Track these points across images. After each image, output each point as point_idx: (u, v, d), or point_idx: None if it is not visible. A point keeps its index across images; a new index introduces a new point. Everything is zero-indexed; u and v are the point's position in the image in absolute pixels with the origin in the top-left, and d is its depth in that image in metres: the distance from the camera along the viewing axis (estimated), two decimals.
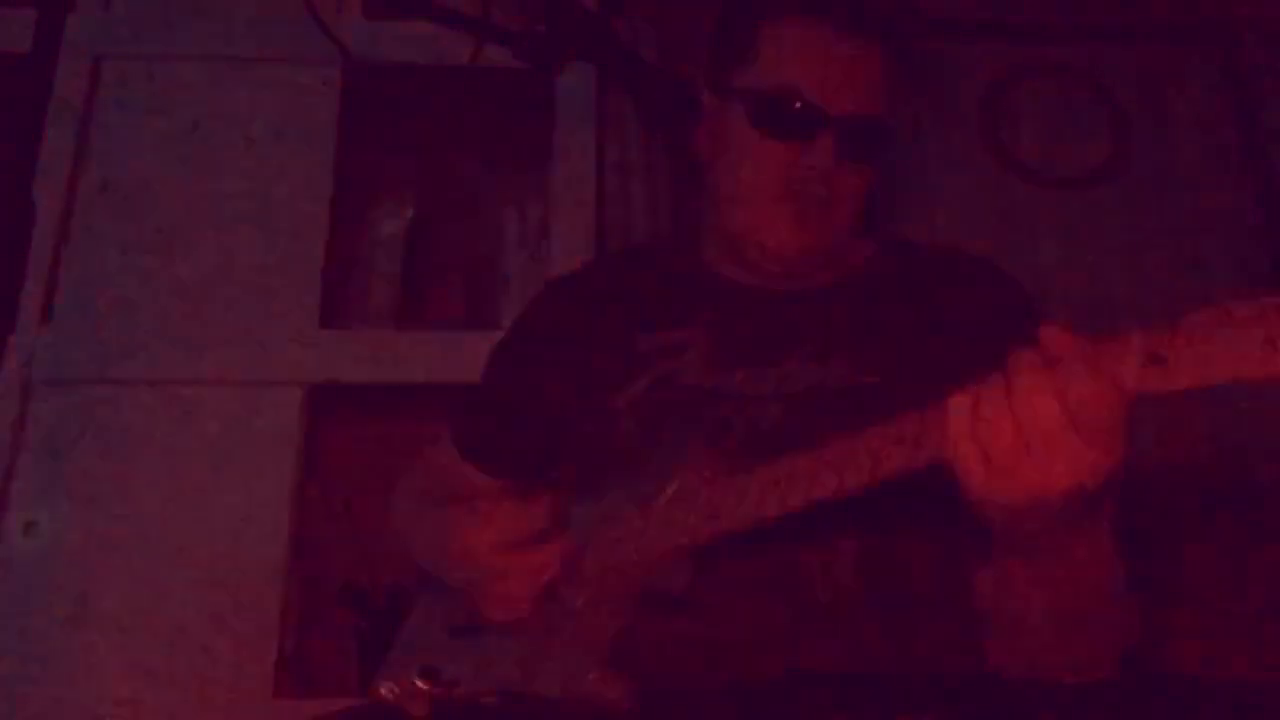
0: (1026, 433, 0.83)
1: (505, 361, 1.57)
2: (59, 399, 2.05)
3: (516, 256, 2.43)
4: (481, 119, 2.45)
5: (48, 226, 2.10)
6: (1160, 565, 2.00)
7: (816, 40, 1.32)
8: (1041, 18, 2.52)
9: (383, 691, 1.24)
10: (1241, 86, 2.49)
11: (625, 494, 1.22)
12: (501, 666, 1.19)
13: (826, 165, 1.30)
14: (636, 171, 2.29)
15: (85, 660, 1.89)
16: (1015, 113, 2.46)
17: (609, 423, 1.33)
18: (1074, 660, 1.10)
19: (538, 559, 1.20)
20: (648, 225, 2.26)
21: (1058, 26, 2.52)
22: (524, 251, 2.43)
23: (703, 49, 1.51)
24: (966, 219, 2.36)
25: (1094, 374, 0.81)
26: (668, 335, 1.37)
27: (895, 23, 1.36)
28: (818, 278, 1.40)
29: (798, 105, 1.30)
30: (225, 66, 2.30)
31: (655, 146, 2.31)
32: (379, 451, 2.32)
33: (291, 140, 2.27)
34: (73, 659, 1.89)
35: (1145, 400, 0.80)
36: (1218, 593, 2.05)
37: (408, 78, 2.33)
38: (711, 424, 1.27)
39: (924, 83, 2.39)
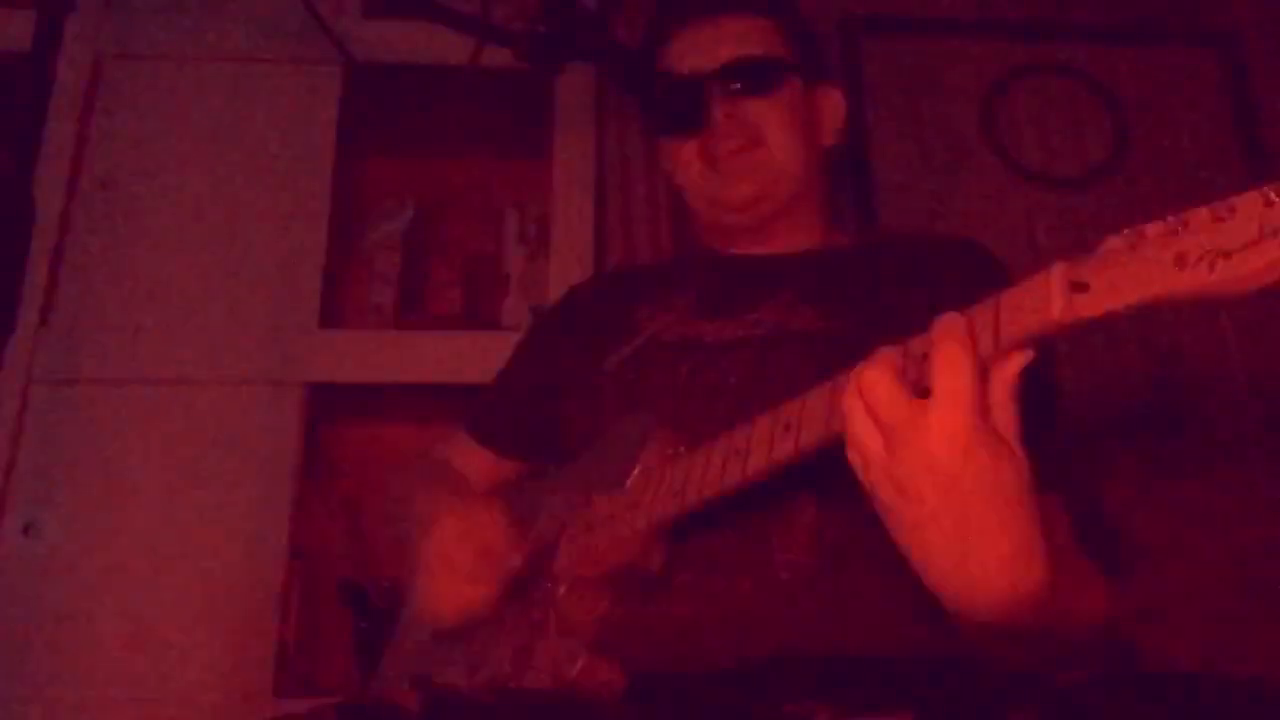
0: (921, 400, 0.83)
1: (524, 346, 1.63)
2: (59, 399, 2.05)
3: (516, 256, 2.43)
4: (481, 119, 2.46)
5: (48, 226, 2.10)
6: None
7: (680, 40, 1.45)
8: (1041, 18, 2.52)
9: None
10: (1241, 86, 2.49)
11: (595, 483, 1.23)
12: (491, 664, 1.19)
13: (717, 119, 1.39)
14: (636, 172, 2.29)
15: (84, 660, 1.89)
16: (1015, 113, 2.46)
17: (597, 387, 1.37)
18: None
19: (490, 566, 1.20)
20: (648, 225, 2.26)
21: (1058, 26, 2.53)
22: (524, 251, 2.43)
23: None
24: (966, 219, 2.37)
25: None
26: (661, 300, 1.44)
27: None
28: (796, 244, 1.47)
29: (674, 86, 1.41)
30: (225, 66, 2.30)
31: (655, 146, 2.31)
32: (379, 451, 2.33)
33: (291, 140, 2.27)
34: (72, 659, 1.89)
35: (1078, 330, 0.81)
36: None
37: (408, 78, 2.34)
38: (680, 382, 1.30)
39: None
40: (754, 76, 1.41)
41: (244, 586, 1.97)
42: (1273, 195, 0.69)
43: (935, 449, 0.81)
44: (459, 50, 2.07)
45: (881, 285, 1.35)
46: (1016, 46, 2.50)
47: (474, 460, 1.56)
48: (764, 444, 1.00)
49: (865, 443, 0.85)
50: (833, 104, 1.53)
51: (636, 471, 1.18)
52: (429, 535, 1.25)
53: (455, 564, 1.21)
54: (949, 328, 0.83)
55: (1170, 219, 0.75)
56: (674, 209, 2.30)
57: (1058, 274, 0.80)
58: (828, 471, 0.96)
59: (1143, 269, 0.76)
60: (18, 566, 1.94)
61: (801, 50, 1.48)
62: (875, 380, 0.83)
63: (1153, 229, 0.77)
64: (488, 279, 2.47)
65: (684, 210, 1.62)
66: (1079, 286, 0.79)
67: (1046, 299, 0.80)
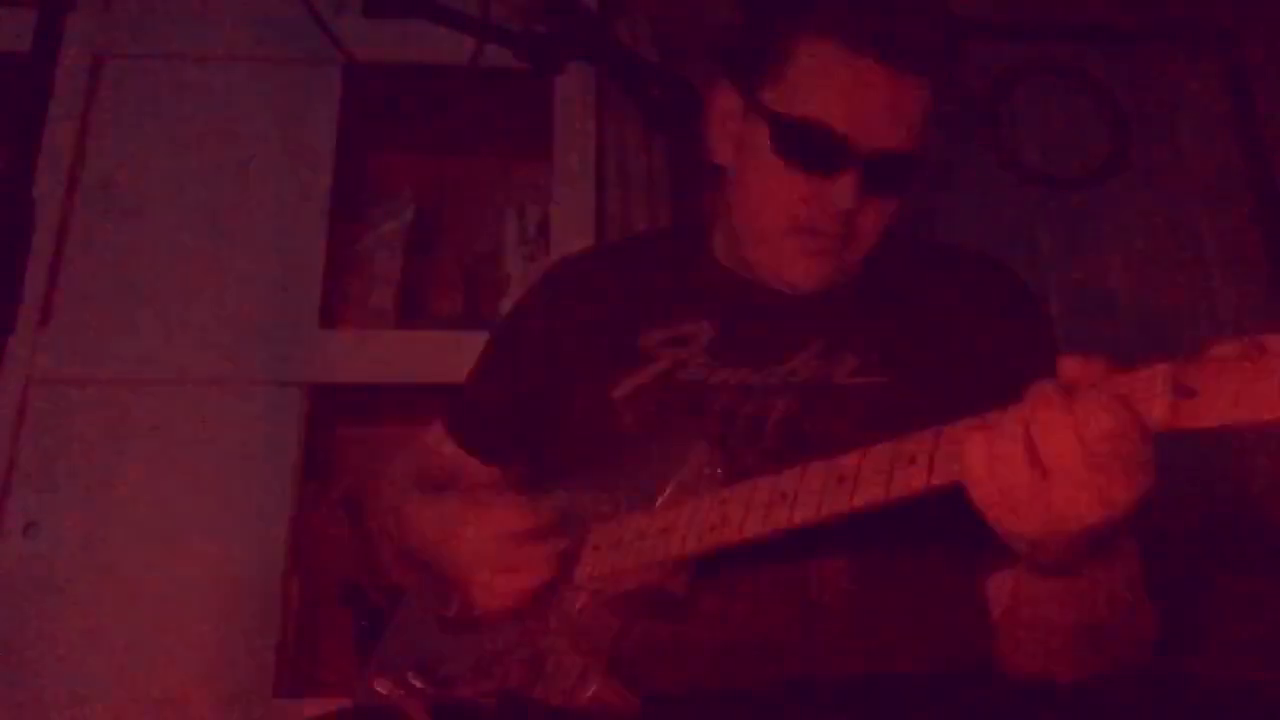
0: (1047, 470, 0.80)
1: (503, 346, 1.55)
2: (59, 399, 2.05)
3: (516, 256, 2.42)
4: (481, 119, 2.45)
5: (48, 226, 2.10)
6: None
7: (853, 71, 1.20)
8: (1042, 18, 2.52)
9: (377, 686, 1.23)
10: (1241, 87, 2.49)
11: (624, 491, 1.20)
12: (500, 667, 1.17)
13: (847, 205, 1.22)
14: (636, 171, 2.29)
15: (84, 660, 1.89)
16: (1015, 113, 2.46)
17: (609, 413, 1.31)
18: (1087, 669, 1.09)
19: (540, 554, 1.18)
20: (648, 225, 2.26)
21: (1058, 26, 2.53)
22: (524, 251, 2.42)
23: (711, 44, 1.47)
24: (966, 219, 2.37)
25: (1117, 409, 0.77)
26: (673, 328, 1.34)
27: (944, 58, 1.24)
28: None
29: (822, 140, 1.21)
30: (225, 66, 2.30)
31: (655, 146, 2.31)
32: (379, 452, 2.32)
33: (291, 140, 2.27)
34: (72, 659, 1.89)
35: (1174, 437, 0.76)
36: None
37: (408, 77, 2.34)
38: (714, 418, 1.24)
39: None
40: (893, 178, 1.24)
41: (244, 586, 1.97)
42: None
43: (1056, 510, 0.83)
44: (459, 50, 2.07)
45: (917, 329, 1.29)
46: (1016, 46, 2.50)
47: (455, 461, 1.53)
48: (814, 495, 0.97)
49: (991, 498, 0.85)
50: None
51: (671, 489, 1.14)
52: (459, 520, 1.22)
53: (491, 558, 1.18)
54: (1044, 398, 0.82)
55: None
56: (674, 209, 2.30)
57: (1162, 374, 0.75)
58: (868, 515, 0.94)
59: (1263, 386, 0.70)
60: (18, 566, 1.94)
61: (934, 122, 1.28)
62: (1000, 454, 0.83)
63: (1274, 342, 0.72)
64: (488, 279, 2.46)
65: (723, 217, 1.41)
66: (1185, 392, 0.74)
67: (1148, 399, 0.76)
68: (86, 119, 2.22)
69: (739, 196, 1.32)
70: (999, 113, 2.45)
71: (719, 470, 1.14)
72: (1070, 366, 0.83)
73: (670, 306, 1.37)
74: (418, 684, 1.17)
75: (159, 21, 2.30)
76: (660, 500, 1.15)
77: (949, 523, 1.12)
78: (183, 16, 2.30)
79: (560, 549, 1.18)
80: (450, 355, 2.13)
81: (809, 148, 1.22)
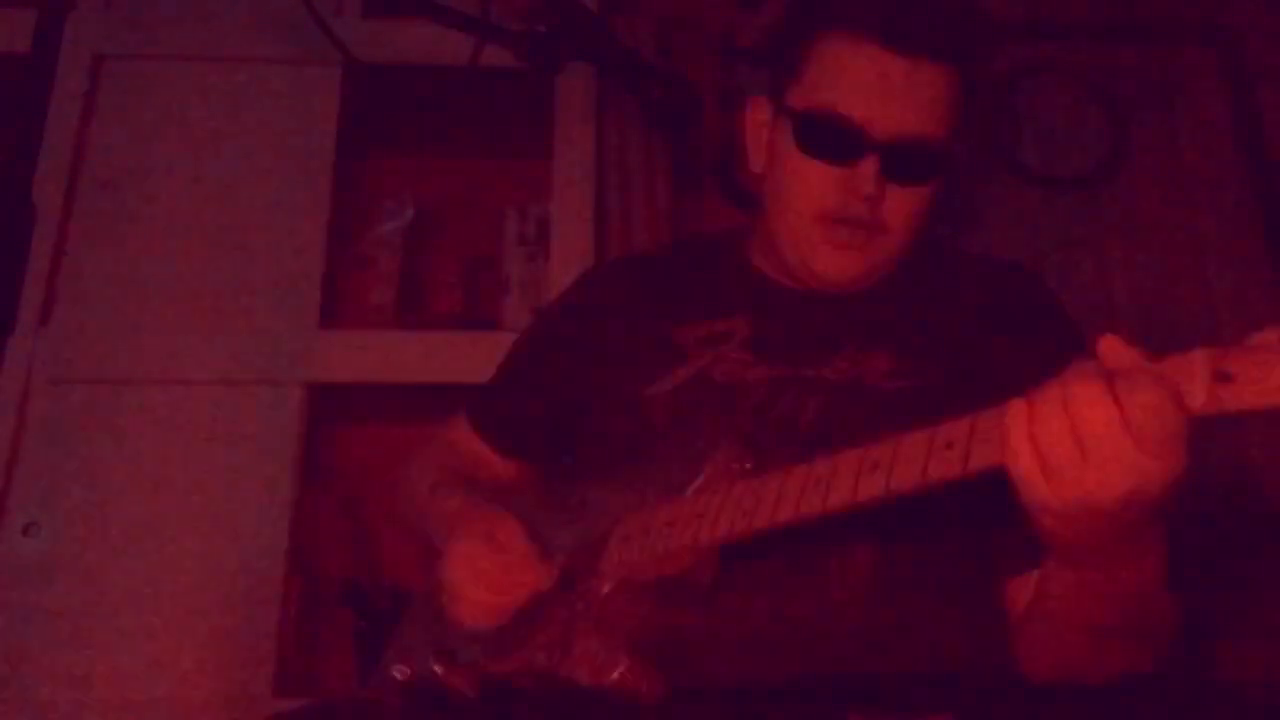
0: (1084, 441, 0.82)
1: (535, 346, 1.56)
2: (59, 399, 2.05)
3: (516, 256, 2.43)
4: (481, 119, 2.46)
5: (48, 226, 2.10)
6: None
7: (866, 59, 1.25)
8: (1041, 18, 2.53)
9: (396, 673, 1.22)
10: (1241, 86, 2.49)
11: (654, 483, 1.20)
12: (525, 651, 1.17)
13: (868, 191, 1.25)
14: (636, 171, 2.29)
15: (85, 660, 1.89)
16: (1015, 113, 2.47)
17: (641, 410, 1.32)
18: (1107, 667, 1.10)
19: (505, 601, 1.21)
20: (648, 225, 2.26)
21: (1058, 26, 2.53)
22: (524, 251, 2.43)
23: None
24: (967, 219, 2.37)
25: (1154, 383, 0.79)
26: (709, 325, 1.36)
27: (961, 43, 1.27)
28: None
29: (839, 127, 1.26)
30: (225, 66, 2.30)
31: (655, 146, 2.31)
32: (379, 451, 2.32)
33: (291, 140, 2.27)
34: (72, 659, 1.89)
35: (1215, 422, 0.77)
36: None
37: (408, 78, 2.34)
38: (746, 415, 1.25)
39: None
40: (916, 165, 1.27)
41: (244, 586, 1.97)
42: None
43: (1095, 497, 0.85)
44: (459, 50, 2.06)
45: (951, 334, 1.31)
46: (1017, 46, 2.50)
47: (478, 455, 1.54)
48: (849, 479, 0.96)
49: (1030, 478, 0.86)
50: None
51: (700, 480, 1.15)
52: (455, 537, 1.25)
53: (479, 572, 1.22)
54: (1083, 373, 0.83)
55: None
56: (674, 209, 2.30)
57: (1200, 359, 0.77)
58: (891, 512, 0.95)
59: None
60: (18, 566, 1.94)
61: (965, 114, 1.31)
62: (1046, 418, 0.84)
63: None
64: (488, 279, 2.47)
65: (759, 224, 1.44)
66: (1223, 376, 0.75)
67: (1187, 381, 0.78)
68: (86, 119, 2.22)
69: (771, 198, 1.37)
70: (999, 113, 2.45)
71: (749, 466, 1.14)
72: (1109, 350, 0.84)
73: (706, 305, 1.40)
74: (438, 669, 1.17)
75: (159, 21, 2.30)
76: (689, 491, 1.15)
77: (971, 520, 1.14)
78: (183, 16, 2.30)
79: (525, 589, 1.20)
80: (449, 355, 2.14)
81: (828, 136, 1.27)
